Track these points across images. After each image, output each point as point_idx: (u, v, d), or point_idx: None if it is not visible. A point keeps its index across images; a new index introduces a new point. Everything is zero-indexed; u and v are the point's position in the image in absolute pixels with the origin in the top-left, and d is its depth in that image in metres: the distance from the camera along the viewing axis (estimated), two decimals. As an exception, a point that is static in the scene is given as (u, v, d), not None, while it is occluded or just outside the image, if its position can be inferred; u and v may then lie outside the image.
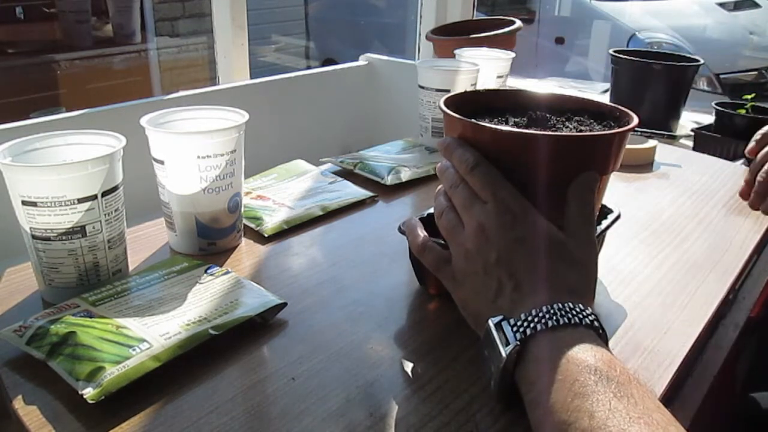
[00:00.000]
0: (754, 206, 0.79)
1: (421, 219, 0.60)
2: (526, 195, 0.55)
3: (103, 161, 0.54)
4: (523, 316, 0.43)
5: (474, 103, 0.61)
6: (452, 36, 1.44)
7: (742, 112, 1.18)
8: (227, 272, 0.60)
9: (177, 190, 0.63)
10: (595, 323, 0.43)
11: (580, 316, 0.42)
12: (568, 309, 0.43)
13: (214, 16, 1.33)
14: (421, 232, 0.54)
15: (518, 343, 0.42)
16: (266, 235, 0.71)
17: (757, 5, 4.21)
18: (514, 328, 0.43)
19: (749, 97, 1.21)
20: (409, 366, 0.50)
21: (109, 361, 0.45)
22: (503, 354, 0.42)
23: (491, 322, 0.44)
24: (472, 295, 0.48)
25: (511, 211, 0.47)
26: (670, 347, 0.53)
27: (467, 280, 0.49)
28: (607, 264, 0.67)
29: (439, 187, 0.53)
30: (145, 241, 0.69)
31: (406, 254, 0.61)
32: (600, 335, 0.43)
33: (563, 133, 0.56)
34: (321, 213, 0.76)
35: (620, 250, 0.70)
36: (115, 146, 0.56)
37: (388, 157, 0.94)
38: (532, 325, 0.42)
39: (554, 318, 0.42)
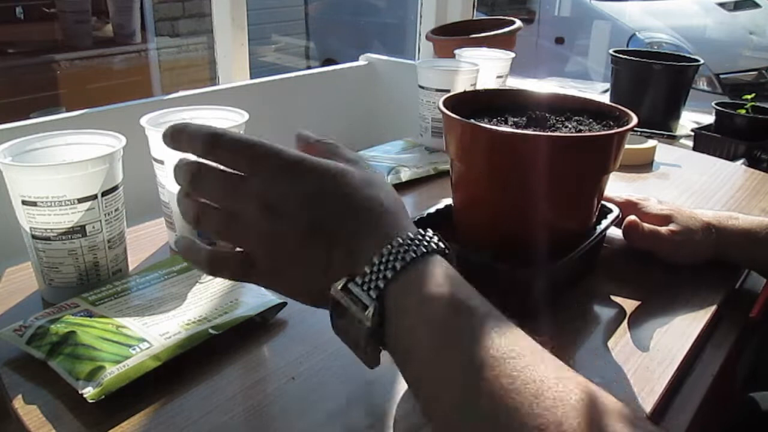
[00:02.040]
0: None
1: (421, 219, 0.61)
2: (526, 195, 0.56)
3: (103, 161, 0.54)
4: (367, 269, 0.37)
5: (474, 103, 0.61)
6: (452, 36, 1.44)
7: (742, 112, 1.18)
8: (227, 272, 0.60)
9: (177, 189, 0.63)
10: (440, 244, 0.39)
11: (425, 243, 0.38)
12: (409, 241, 0.38)
13: (214, 16, 1.32)
14: (202, 246, 0.43)
15: (376, 302, 0.37)
16: (266, 235, 0.71)
17: (757, 5, 4.21)
18: (364, 287, 0.37)
19: (749, 97, 1.21)
20: (408, 366, 0.50)
21: (109, 360, 0.45)
22: (366, 321, 0.37)
23: (336, 289, 0.38)
24: (301, 281, 0.41)
25: (287, 168, 0.40)
26: (670, 347, 0.53)
27: (286, 270, 0.41)
28: (607, 263, 0.67)
29: (177, 190, 0.44)
30: (145, 241, 0.69)
31: (406, 254, 0.61)
32: (446, 256, 0.39)
33: (562, 134, 0.56)
34: (321, 213, 0.76)
35: (620, 250, 0.70)
36: (115, 146, 0.56)
37: (388, 157, 0.94)
38: (381, 275, 0.37)
39: (400, 257, 0.37)
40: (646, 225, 0.64)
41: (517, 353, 0.33)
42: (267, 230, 0.40)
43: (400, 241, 0.38)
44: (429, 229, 0.40)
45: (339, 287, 0.38)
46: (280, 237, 0.40)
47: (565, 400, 0.31)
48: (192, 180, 0.41)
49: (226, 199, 0.41)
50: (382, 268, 0.37)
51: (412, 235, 0.39)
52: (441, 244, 0.39)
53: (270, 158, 0.40)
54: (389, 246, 0.38)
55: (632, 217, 0.65)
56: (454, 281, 0.38)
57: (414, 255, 0.37)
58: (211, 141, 0.40)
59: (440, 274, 0.38)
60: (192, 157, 0.42)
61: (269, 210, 0.39)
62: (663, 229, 0.65)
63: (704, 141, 1.17)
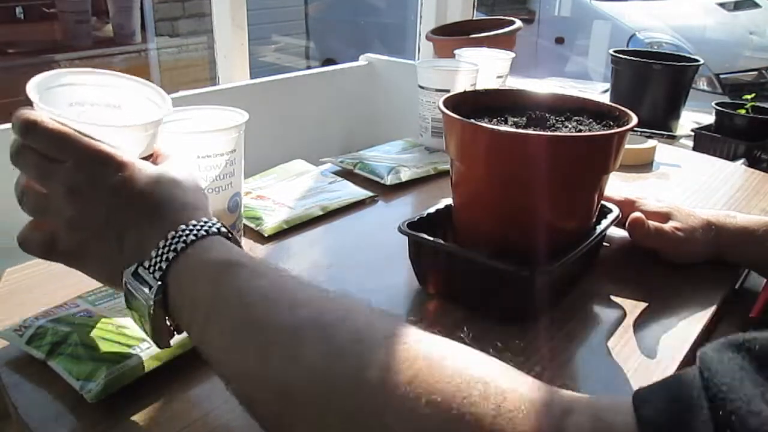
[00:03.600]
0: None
1: (421, 219, 0.61)
2: (526, 195, 0.56)
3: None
4: (153, 254, 0.41)
5: (474, 103, 0.61)
6: (452, 36, 1.44)
7: (742, 112, 1.18)
8: (227, 272, 0.60)
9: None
10: (222, 229, 0.43)
11: (207, 227, 0.42)
12: (191, 227, 0.42)
13: (214, 16, 1.33)
14: (26, 227, 0.47)
15: (159, 282, 0.40)
16: (266, 235, 0.71)
17: (757, 5, 4.21)
18: (150, 269, 0.41)
19: (749, 97, 1.22)
20: (408, 366, 0.50)
21: (109, 360, 0.45)
22: (148, 301, 0.40)
23: (127, 274, 0.42)
24: (99, 263, 0.45)
25: (97, 159, 0.43)
26: (670, 347, 0.53)
27: (86, 251, 0.44)
28: (607, 263, 0.67)
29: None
30: (145, 241, 0.68)
31: (406, 254, 0.61)
32: (230, 238, 0.43)
33: (562, 133, 0.56)
34: (321, 213, 0.76)
35: (620, 250, 0.70)
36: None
37: (388, 157, 0.94)
38: (164, 258, 0.40)
39: (182, 240, 0.41)
40: (651, 222, 0.64)
41: (269, 283, 0.39)
42: (68, 214, 0.43)
43: (184, 227, 0.41)
44: (215, 218, 0.44)
45: (130, 273, 0.42)
46: (81, 220, 0.43)
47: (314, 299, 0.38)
48: (12, 156, 0.44)
49: (38, 179, 0.44)
50: (165, 251, 0.41)
51: (195, 222, 0.42)
52: (223, 229, 0.43)
53: (78, 149, 0.42)
54: (173, 232, 0.41)
55: (637, 214, 0.65)
56: (234, 251, 0.41)
57: (194, 237, 0.41)
58: (25, 127, 0.42)
59: (219, 248, 0.41)
60: None
61: (73, 194, 0.42)
62: (666, 226, 0.65)
63: (704, 141, 1.17)
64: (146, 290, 0.41)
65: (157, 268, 0.41)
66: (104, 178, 0.42)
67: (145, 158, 0.48)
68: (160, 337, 0.42)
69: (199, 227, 0.42)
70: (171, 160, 0.48)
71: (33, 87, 0.45)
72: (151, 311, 0.40)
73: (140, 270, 0.41)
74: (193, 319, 0.40)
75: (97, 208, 0.43)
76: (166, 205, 0.43)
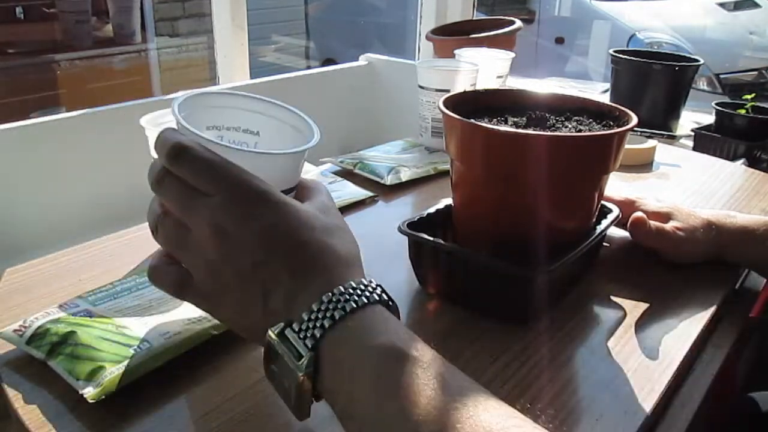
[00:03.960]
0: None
1: (421, 219, 0.61)
2: (526, 195, 0.56)
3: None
4: (305, 316, 0.37)
5: (474, 103, 0.61)
6: (452, 36, 1.44)
7: (742, 112, 1.18)
8: (227, 272, 0.60)
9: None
10: (383, 296, 0.38)
11: (367, 293, 0.37)
12: (351, 290, 0.37)
13: (214, 16, 1.33)
14: (156, 256, 0.43)
15: (312, 352, 0.36)
16: (266, 235, 0.71)
17: (757, 5, 4.21)
18: (301, 335, 0.36)
19: (749, 97, 1.22)
20: (408, 366, 0.50)
21: (109, 360, 0.45)
22: (298, 371, 0.36)
23: (272, 334, 0.37)
24: (236, 312, 0.40)
25: (247, 197, 0.39)
26: (670, 347, 0.53)
27: (224, 297, 0.40)
28: (607, 263, 0.67)
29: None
30: (145, 241, 0.68)
31: (406, 254, 0.61)
32: (390, 307, 0.39)
33: (562, 134, 0.56)
34: (321, 213, 0.76)
35: (620, 250, 0.70)
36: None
37: (388, 157, 0.94)
38: (318, 324, 0.36)
39: (341, 307, 0.36)
40: (652, 222, 0.64)
41: (461, 403, 0.33)
42: (212, 254, 0.39)
43: (342, 290, 0.37)
44: (373, 280, 0.39)
45: (276, 332, 0.37)
46: (223, 264, 0.39)
47: None
48: (154, 183, 0.40)
49: (180, 212, 0.40)
50: (320, 316, 0.36)
51: (354, 285, 0.38)
52: (384, 296, 0.38)
53: (229, 183, 0.39)
54: (330, 294, 0.37)
55: (639, 214, 0.65)
56: (395, 331, 0.36)
57: (354, 305, 0.36)
58: (173, 153, 0.39)
59: (380, 325, 0.36)
60: None
61: (218, 234, 0.38)
62: (667, 226, 0.65)
63: (704, 141, 1.17)
64: (295, 359, 0.36)
65: (309, 335, 0.36)
66: (255, 219, 0.38)
67: (288, 191, 0.44)
68: (301, 407, 0.38)
69: (359, 292, 0.37)
70: (317, 197, 0.44)
71: (177, 107, 0.42)
72: (300, 382, 0.36)
73: (288, 332, 0.37)
74: (347, 411, 0.36)
75: (243, 252, 0.38)
76: (320, 257, 0.39)
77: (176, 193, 0.39)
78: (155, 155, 0.62)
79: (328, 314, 0.36)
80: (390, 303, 0.39)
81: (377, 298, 0.38)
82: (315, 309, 0.36)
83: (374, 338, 0.36)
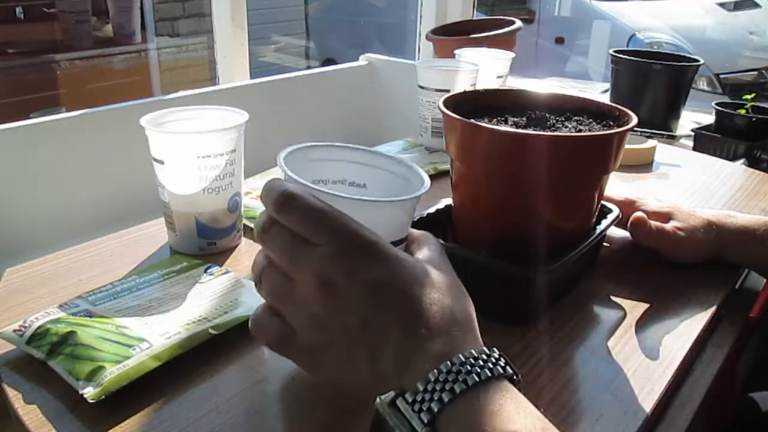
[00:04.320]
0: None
1: (421, 219, 0.61)
2: (526, 195, 0.55)
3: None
4: (420, 386, 0.33)
5: (474, 103, 0.61)
6: (452, 36, 1.44)
7: (742, 112, 1.18)
8: (227, 272, 0.60)
9: (177, 190, 0.63)
10: (508, 369, 0.35)
11: (490, 365, 0.34)
12: (472, 361, 0.34)
13: (214, 16, 1.33)
14: (259, 308, 0.42)
15: (427, 428, 0.33)
16: (266, 235, 0.71)
17: (757, 5, 4.21)
18: (415, 407, 0.33)
19: (749, 97, 1.22)
20: (408, 366, 0.50)
21: (109, 360, 0.45)
22: None
23: (383, 403, 0.34)
24: (341, 370, 0.38)
25: (356, 249, 0.36)
26: (670, 347, 0.53)
27: (327, 354, 0.38)
28: (607, 263, 0.67)
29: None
30: (145, 241, 0.69)
31: (406, 254, 0.61)
32: (514, 381, 0.35)
33: (562, 134, 0.56)
34: (321, 213, 0.76)
35: (620, 250, 0.70)
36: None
37: (388, 157, 0.94)
38: (436, 396, 0.33)
39: (461, 379, 0.33)
40: (652, 222, 0.64)
41: None
42: (317, 307, 0.37)
43: (462, 359, 0.34)
44: (495, 349, 0.36)
45: (387, 401, 0.34)
46: (329, 318, 0.36)
47: None
48: (260, 232, 0.39)
49: (286, 262, 0.38)
50: (437, 388, 0.33)
51: (476, 354, 0.34)
52: (509, 369, 0.35)
53: (339, 233, 0.37)
54: (449, 363, 0.34)
55: (639, 214, 0.65)
56: (523, 415, 0.33)
57: (477, 379, 0.33)
58: (281, 201, 0.37)
59: (506, 406, 0.33)
60: None
61: (325, 287, 0.36)
62: (667, 226, 0.65)
63: (704, 141, 1.17)
64: (408, 431, 0.33)
65: (425, 408, 0.33)
66: (365, 272, 0.36)
67: (398, 242, 0.42)
68: None
69: (481, 363, 0.34)
70: (428, 251, 0.41)
71: (283, 160, 0.41)
72: None
73: (400, 402, 0.34)
74: None
75: (351, 307, 0.36)
76: (434, 317, 0.36)
77: (283, 242, 0.38)
78: (156, 155, 0.62)
79: (447, 386, 0.33)
80: (515, 377, 0.35)
81: (501, 371, 0.34)
82: (432, 379, 0.33)
83: (500, 423, 0.32)
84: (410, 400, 0.33)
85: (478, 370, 0.34)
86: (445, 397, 0.32)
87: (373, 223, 0.39)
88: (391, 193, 0.41)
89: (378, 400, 0.35)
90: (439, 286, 0.38)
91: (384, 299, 0.36)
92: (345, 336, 0.36)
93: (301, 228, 0.37)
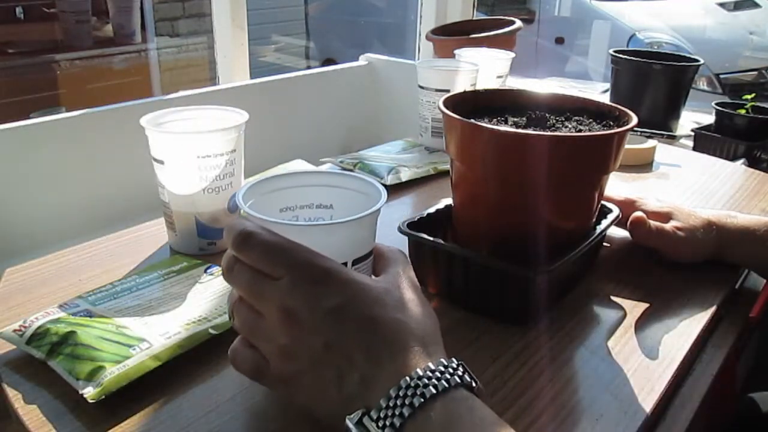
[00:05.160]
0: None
1: (421, 219, 0.61)
2: (526, 195, 0.56)
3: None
4: (383, 403, 0.35)
5: (474, 103, 0.61)
6: (452, 36, 1.44)
7: (742, 112, 1.18)
8: (227, 272, 0.60)
9: (177, 190, 0.63)
10: (465, 377, 0.36)
11: (447, 376, 0.35)
12: (429, 374, 0.35)
13: (214, 16, 1.33)
14: (237, 340, 0.43)
15: None
16: (266, 235, 0.71)
17: (757, 5, 4.21)
18: (379, 423, 0.34)
19: (749, 97, 1.22)
20: (408, 366, 0.50)
21: (109, 360, 0.45)
22: None
23: (350, 424, 0.36)
24: (313, 396, 0.39)
25: (314, 278, 0.38)
26: (670, 347, 0.53)
27: (300, 382, 0.39)
28: (607, 263, 0.67)
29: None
30: (145, 241, 0.69)
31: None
32: (473, 389, 0.37)
33: (562, 133, 0.56)
34: (321, 213, 0.76)
35: (620, 250, 0.70)
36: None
37: (388, 157, 0.94)
38: (398, 411, 0.34)
39: (419, 393, 0.34)
40: (652, 222, 0.64)
41: None
42: (283, 338, 0.38)
43: (420, 373, 0.35)
44: (454, 359, 0.37)
45: (353, 421, 0.36)
46: (295, 347, 0.38)
47: None
48: (225, 272, 0.41)
49: (252, 298, 0.40)
50: (398, 403, 0.34)
51: (433, 367, 0.36)
52: (467, 377, 0.36)
53: (296, 265, 0.38)
54: (408, 378, 0.35)
55: (639, 214, 0.65)
56: (482, 422, 0.34)
57: (434, 390, 0.34)
58: (239, 240, 0.39)
59: (465, 414, 0.34)
60: None
61: (289, 318, 0.38)
62: (667, 226, 0.65)
63: (704, 141, 1.17)
64: None
65: (388, 424, 0.34)
66: (324, 299, 0.37)
67: (364, 257, 0.44)
68: None
69: (438, 375, 0.35)
70: (392, 267, 0.43)
71: (241, 197, 0.42)
72: None
73: (366, 421, 0.35)
74: None
75: (314, 335, 0.37)
76: (393, 336, 0.37)
77: (246, 279, 0.39)
78: (156, 155, 0.62)
79: (407, 401, 0.34)
80: (473, 384, 0.37)
81: (458, 380, 0.36)
82: (393, 395, 0.35)
83: (457, 430, 0.34)
84: (375, 417, 0.35)
85: (435, 382, 0.35)
86: (406, 412, 0.34)
87: (333, 244, 0.40)
88: (356, 210, 0.42)
89: (347, 421, 0.36)
90: (398, 305, 0.39)
91: (345, 323, 0.38)
92: (312, 362, 0.38)
93: (261, 264, 0.39)
